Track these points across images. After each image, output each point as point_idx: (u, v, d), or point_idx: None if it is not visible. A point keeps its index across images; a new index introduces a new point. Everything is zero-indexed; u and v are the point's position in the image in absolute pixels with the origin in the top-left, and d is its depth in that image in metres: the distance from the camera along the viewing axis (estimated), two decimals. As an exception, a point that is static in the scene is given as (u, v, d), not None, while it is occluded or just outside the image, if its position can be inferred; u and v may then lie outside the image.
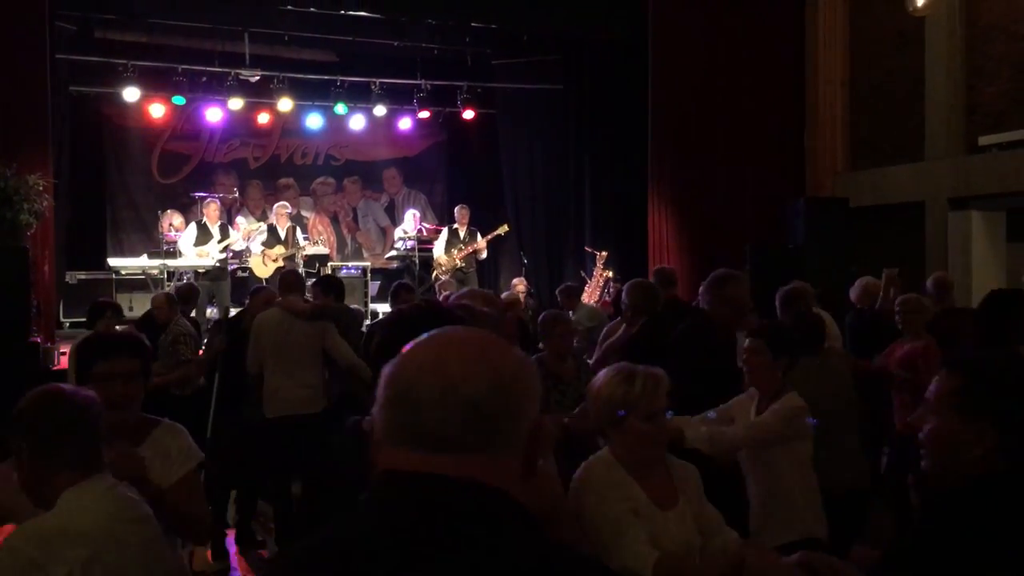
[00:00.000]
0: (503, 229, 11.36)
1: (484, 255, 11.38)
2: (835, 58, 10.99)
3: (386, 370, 1.20)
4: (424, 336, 1.24)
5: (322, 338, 5.66)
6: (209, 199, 10.79)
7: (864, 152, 10.83)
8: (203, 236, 10.26)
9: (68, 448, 2.12)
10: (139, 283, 10.48)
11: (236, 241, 10.44)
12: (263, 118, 12.54)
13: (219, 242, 10.21)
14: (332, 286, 6.18)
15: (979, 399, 1.75)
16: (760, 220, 10.52)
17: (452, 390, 1.14)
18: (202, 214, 10.66)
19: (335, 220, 14.07)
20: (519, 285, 9.66)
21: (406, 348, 1.22)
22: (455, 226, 11.31)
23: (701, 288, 4.45)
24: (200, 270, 10.12)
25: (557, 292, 8.32)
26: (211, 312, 9.78)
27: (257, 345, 5.64)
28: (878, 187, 10.34)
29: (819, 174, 11.00)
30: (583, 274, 11.38)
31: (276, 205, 11.25)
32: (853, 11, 10.95)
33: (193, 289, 7.71)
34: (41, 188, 7.98)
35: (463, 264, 11.03)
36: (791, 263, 9.05)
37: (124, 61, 11.06)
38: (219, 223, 10.46)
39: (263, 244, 10.61)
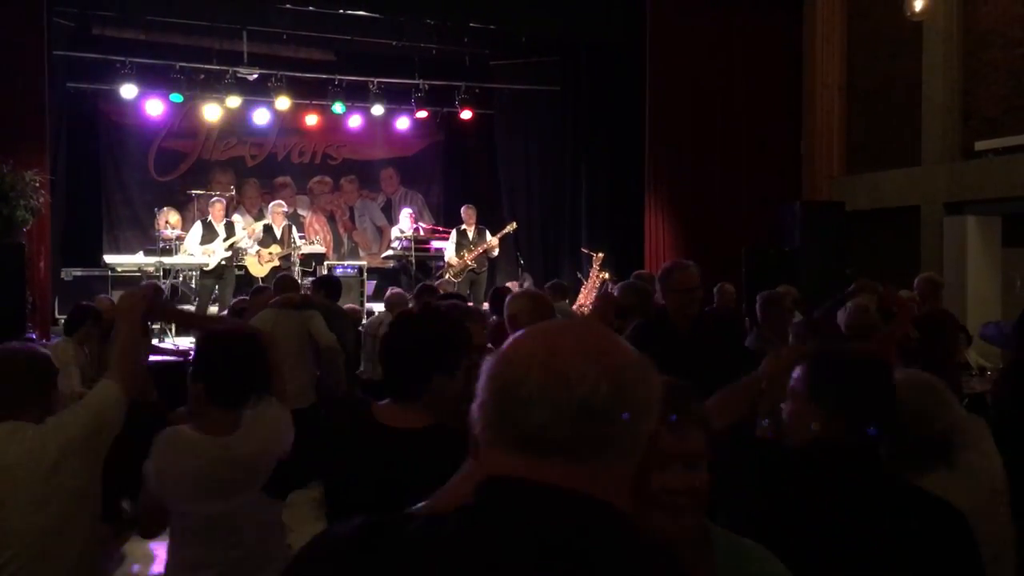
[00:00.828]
0: (512, 226, 11.28)
1: (496, 253, 11.30)
2: (832, 62, 11.03)
3: (488, 363, 1.08)
4: (534, 326, 1.12)
5: (307, 326, 5.79)
6: (215, 198, 10.74)
7: (860, 156, 10.87)
8: (208, 235, 10.22)
9: None
10: (135, 280, 10.45)
11: (242, 239, 10.41)
12: (261, 116, 12.53)
13: (224, 240, 10.19)
14: (324, 284, 6.27)
15: (819, 386, 2.07)
16: (756, 223, 10.55)
17: (564, 388, 1.01)
18: (206, 212, 10.64)
19: (332, 219, 14.07)
20: (526, 284, 9.61)
21: (512, 338, 1.10)
22: (463, 227, 11.20)
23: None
24: (205, 268, 10.09)
25: (546, 287, 8.23)
26: (212, 311, 9.76)
27: None
28: (874, 191, 10.37)
29: (815, 178, 11.04)
30: (579, 275, 11.40)
31: (272, 204, 11.23)
32: (850, 15, 10.99)
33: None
34: (38, 184, 7.99)
35: (474, 265, 10.99)
36: (787, 266, 9.10)
37: (122, 58, 11.06)
38: (224, 221, 10.43)
39: (259, 243, 10.60)
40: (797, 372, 2.14)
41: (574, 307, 9.71)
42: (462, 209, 11.43)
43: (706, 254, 10.47)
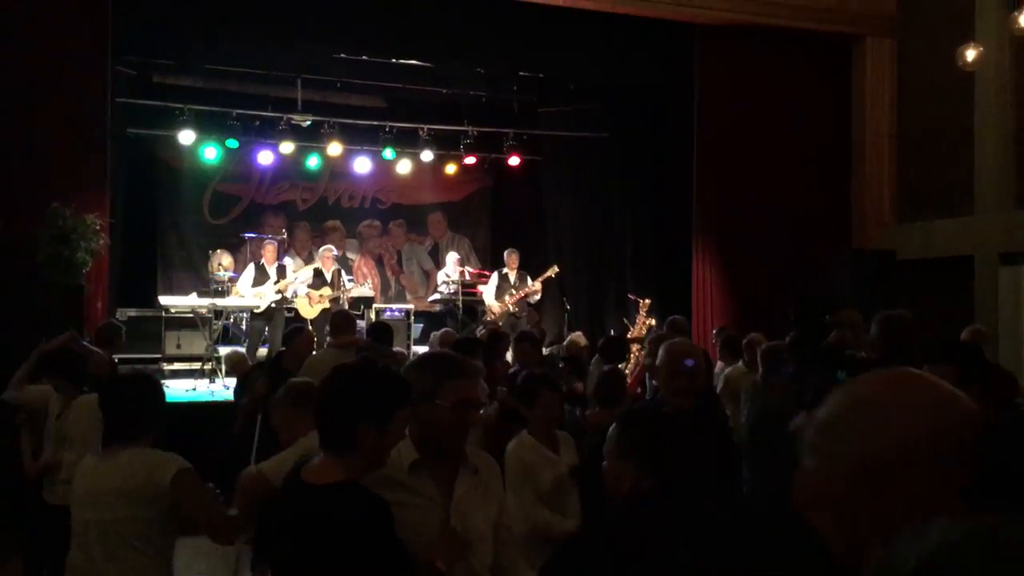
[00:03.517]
0: (553, 270, 11.30)
1: (538, 297, 11.32)
2: (882, 109, 10.97)
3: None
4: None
5: None
6: (266, 240, 10.96)
7: (912, 204, 10.73)
8: (260, 277, 10.41)
9: None
10: (188, 321, 10.66)
11: (292, 283, 10.56)
12: (313, 161, 12.78)
13: (275, 283, 10.35)
14: (377, 330, 6.25)
15: (624, 445, 2.27)
16: (805, 271, 10.44)
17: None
18: (258, 255, 10.83)
19: (380, 262, 14.23)
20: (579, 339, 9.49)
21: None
22: (504, 270, 11.25)
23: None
24: (255, 310, 10.25)
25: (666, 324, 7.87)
26: (263, 352, 9.90)
27: None
28: (926, 240, 10.22)
29: (865, 226, 10.92)
30: (626, 321, 11.35)
31: (322, 248, 11.40)
32: (900, 63, 10.94)
33: (112, 328, 6.87)
34: (98, 227, 8.17)
35: (515, 309, 11.02)
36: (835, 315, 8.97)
37: (180, 105, 11.38)
38: (276, 264, 10.61)
39: (309, 286, 10.75)
40: (612, 431, 2.33)
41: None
42: (505, 253, 11.48)
43: (754, 301, 10.44)
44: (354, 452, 2.24)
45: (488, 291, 11.17)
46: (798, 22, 10.57)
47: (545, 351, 8.12)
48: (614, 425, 2.35)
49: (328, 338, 7.05)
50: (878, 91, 10.98)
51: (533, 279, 11.18)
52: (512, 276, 11.19)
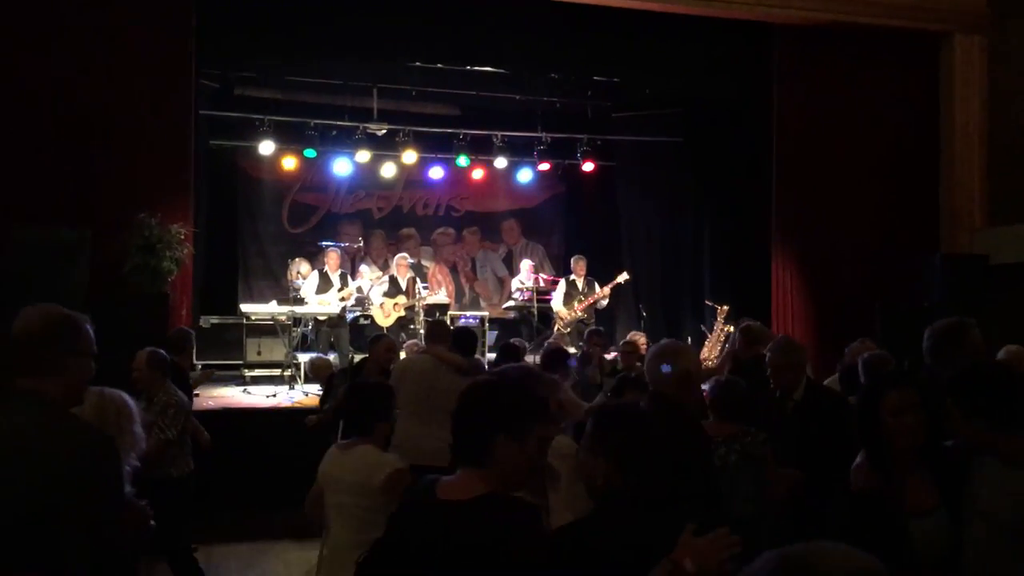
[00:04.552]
0: (623, 277, 11.21)
1: (605, 303, 11.27)
2: (972, 110, 10.55)
3: None
4: None
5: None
6: (331, 248, 11.11)
7: (1005, 207, 10.30)
8: (324, 284, 10.55)
9: None
10: (268, 328, 10.85)
11: (353, 293, 10.66)
12: (388, 170, 12.91)
13: (339, 290, 10.48)
14: (460, 338, 6.17)
15: (598, 441, 2.29)
16: (891, 277, 10.11)
17: None
18: (324, 263, 10.99)
19: (454, 270, 14.29)
20: (640, 338, 9.43)
21: None
22: (572, 277, 11.27)
23: None
24: (320, 317, 10.39)
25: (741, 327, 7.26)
26: (330, 358, 10.01)
27: (398, 383, 5.50)
28: (1020, 244, 9.79)
29: (955, 230, 10.51)
30: (703, 327, 11.18)
31: (396, 256, 11.48)
32: (991, 60, 10.52)
33: (184, 335, 6.99)
34: (182, 237, 8.38)
35: (584, 315, 10.97)
36: (924, 323, 8.64)
37: (261, 116, 11.63)
38: (339, 271, 10.75)
39: (384, 294, 10.84)
40: (588, 426, 2.37)
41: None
42: (572, 259, 11.46)
43: (837, 309, 10.14)
44: (492, 465, 2.18)
45: (556, 298, 11.17)
46: (881, 19, 10.24)
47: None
48: (590, 420, 2.38)
49: (423, 344, 7.06)
50: (967, 90, 10.57)
51: (602, 285, 11.09)
52: (580, 283, 11.15)
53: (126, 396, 3.38)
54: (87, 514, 2.17)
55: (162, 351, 5.50)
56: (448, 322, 11.06)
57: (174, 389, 5.42)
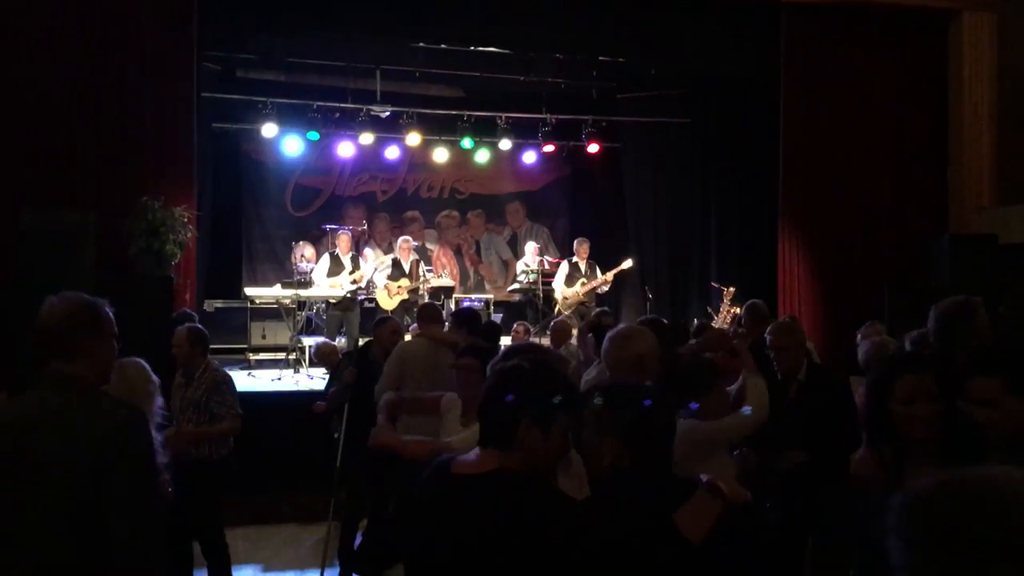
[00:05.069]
0: (627, 263, 11.15)
1: (607, 288, 11.23)
2: (981, 89, 10.46)
3: None
4: None
5: None
6: (341, 231, 11.05)
7: (1014, 186, 10.22)
8: (335, 267, 10.49)
9: None
10: (272, 312, 10.82)
11: (365, 275, 10.61)
12: (392, 152, 12.84)
13: (350, 273, 10.43)
14: (465, 320, 6.12)
15: (606, 420, 2.23)
16: (899, 258, 10.06)
17: None
18: (334, 245, 10.94)
19: (458, 253, 14.25)
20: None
21: None
22: (574, 259, 11.20)
23: None
24: (331, 300, 10.35)
25: (746, 308, 7.32)
26: (340, 342, 9.99)
27: (399, 370, 5.46)
28: (1030, 224, 9.72)
29: (964, 210, 10.44)
30: (709, 310, 11.13)
31: (400, 239, 11.39)
32: (1001, 41, 10.41)
33: (186, 317, 7.05)
34: (186, 220, 8.34)
35: (586, 299, 10.93)
36: (934, 304, 8.59)
37: (263, 99, 11.56)
38: (350, 254, 10.70)
39: (388, 277, 10.79)
40: (594, 404, 2.32)
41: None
42: (575, 242, 11.38)
43: (845, 290, 10.10)
44: (515, 451, 2.15)
45: (558, 280, 11.11)
46: (890, -2, 10.16)
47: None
48: (596, 399, 2.30)
49: (413, 326, 7.01)
50: (977, 69, 10.46)
51: (605, 270, 11.03)
52: (583, 265, 11.10)
53: (141, 361, 3.61)
54: (127, 486, 2.31)
55: (201, 327, 5.59)
56: (453, 305, 11.06)
57: (216, 364, 5.49)
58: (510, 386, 2.20)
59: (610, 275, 11.00)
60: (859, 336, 6.40)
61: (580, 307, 10.79)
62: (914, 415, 2.45)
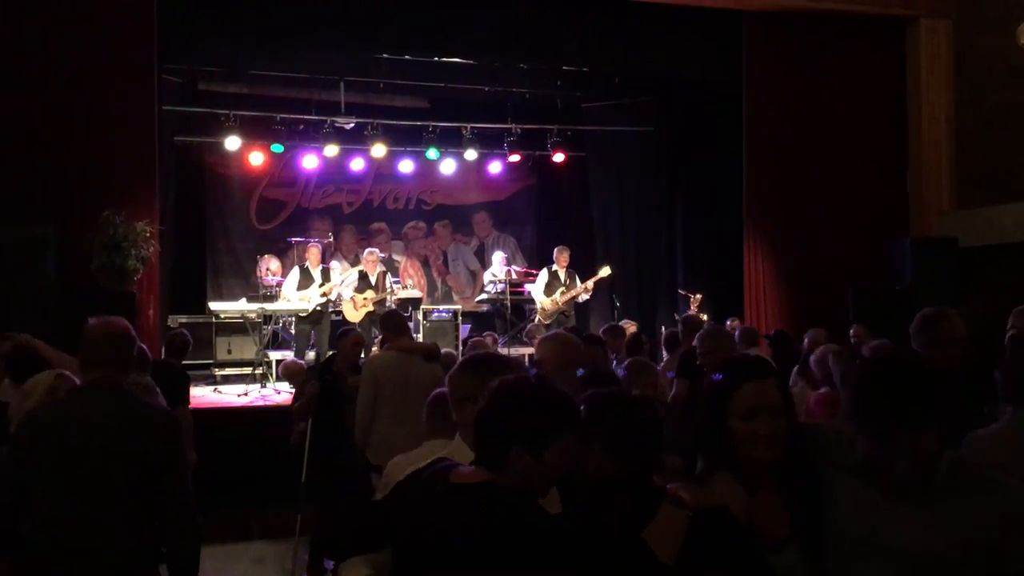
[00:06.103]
0: (605, 271, 11.08)
1: (587, 297, 11.14)
2: (938, 94, 10.64)
3: None
4: None
5: (438, 381, 5.55)
6: (311, 243, 10.96)
7: (973, 190, 10.39)
8: (305, 280, 10.37)
9: None
10: (238, 327, 10.70)
11: (336, 286, 10.52)
12: (357, 164, 12.78)
13: (320, 286, 10.32)
14: (390, 324, 6.02)
15: (592, 426, 2.20)
16: (862, 261, 10.17)
17: None
18: (302, 259, 10.84)
19: (426, 264, 14.20)
20: (630, 327, 9.31)
21: None
22: (554, 268, 10.99)
23: None
24: (301, 314, 10.23)
25: (601, 332, 7.34)
26: (310, 356, 9.89)
27: (373, 390, 5.44)
28: (989, 226, 9.88)
29: (924, 213, 10.59)
30: (676, 317, 11.17)
31: (365, 251, 11.29)
32: (958, 46, 10.60)
33: (183, 338, 7.28)
34: (148, 235, 8.20)
35: (566, 308, 10.83)
36: (897, 306, 8.72)
37: (226, 111, 11.45)
38: (320, 267, 10.59)
39: (354, 289, 10.71)
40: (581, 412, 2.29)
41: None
42: (555, 250, 11.18)
43: (809, 294, 10.19)
44: (505, 473, 2.08)
45: (537, 288, 10.97)
46: (849, 5, 10.31)
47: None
48: (583, 406, 2.25)
49: (379, 338, 6.93)
50: (934, 74, 10.65)
51: (583, 279, 10.98)
52: (562, 274, 10.99)
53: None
54: (171, 476, 2.95)
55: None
56: (421, 316, 11.00)
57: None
58: (502, 408, 2.13)
59: (590, 283, 10.91)
60: (806, 341, 6.41)
61: (559, 316, 10.73)
62: (754, 433, 2.11)
